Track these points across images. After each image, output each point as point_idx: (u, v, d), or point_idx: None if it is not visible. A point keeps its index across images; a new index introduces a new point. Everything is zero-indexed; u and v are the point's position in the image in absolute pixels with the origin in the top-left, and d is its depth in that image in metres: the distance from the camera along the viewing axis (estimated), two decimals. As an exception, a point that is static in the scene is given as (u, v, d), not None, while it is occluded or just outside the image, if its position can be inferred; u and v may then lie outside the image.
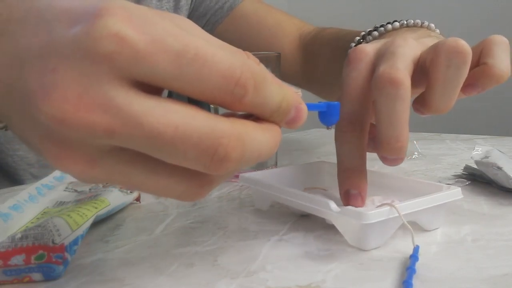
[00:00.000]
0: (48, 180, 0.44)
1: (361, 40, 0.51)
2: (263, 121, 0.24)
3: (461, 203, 0.41)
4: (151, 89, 0.21)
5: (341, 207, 0.32)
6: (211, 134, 0.21)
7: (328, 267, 0.30)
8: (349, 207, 0.32)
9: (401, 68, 0.33)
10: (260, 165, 0.52)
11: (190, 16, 0.74)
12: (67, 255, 0.29)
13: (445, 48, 0.33)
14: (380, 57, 0.35)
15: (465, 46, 0.33)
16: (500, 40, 0.36)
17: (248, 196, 0.46)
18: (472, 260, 0.30)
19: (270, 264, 0.30)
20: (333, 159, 0.37)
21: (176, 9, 0.72)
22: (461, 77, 0.34)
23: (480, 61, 0.36)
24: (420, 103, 0.36)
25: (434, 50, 0.34)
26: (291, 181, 0.41)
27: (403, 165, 0.57)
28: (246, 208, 0.43)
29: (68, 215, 0.33)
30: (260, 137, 0.23)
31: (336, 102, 0.30)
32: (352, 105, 0.35)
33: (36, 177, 0.62)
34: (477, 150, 0.48)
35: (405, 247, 0.32)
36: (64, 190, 0.44)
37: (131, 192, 0.44)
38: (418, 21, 0.46)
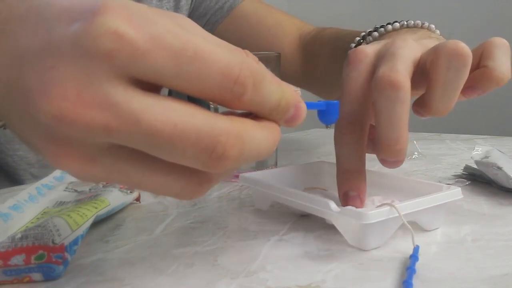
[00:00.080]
0: (48, 180, 0.44)
1: (361, 41, 0.51)
2: (262, 119, 0.24)
3: (461, 203, 0.41)
4: (150, 87, 0.21)
5: (341, 207, 0.32)
6: (210, 132, 0.21)
7: (328, 267, 0.30)
8: (349, 207, 0.32)
9: (401, 70, 0.33)
10: (260, 165, 0.52)
11: (190, 16, 0.74)
12: (67, 255, 0.29)
13: (445, 51, 0.33)
14: (380, 58, 0.35)
15: (465, 48, 0.33)
16: (500, 42, 0.36)
17: (248, 196, 0.46)
18: (472, 260, 0.30)
19: (270, 264, 0.30)
20: (333, 159, 0.37)
21: (176, 9, 0.72)
22: (461, 80, 0.34)
23: (480, 63, 0.36)
24: (420, 105, 0.36)
25: (435, 52, 0.34)
26: (291, 181, 0.41)
27: (403, 165, 0.57)
28: (246, 208, 0.43)
29: (68, 215, 0.33)
30: (259, 135, 0.23)
31: (335, 101, 0.30)
32: (351, 106, 0.35)
33: (36, 177, 0.62)
34: (477, 150, 0.48)
35: (405, 247, 0.32)
36: (64, 190, 0.44)
37: (131, 192, 0.44)
38: (419, 21, 0.46)
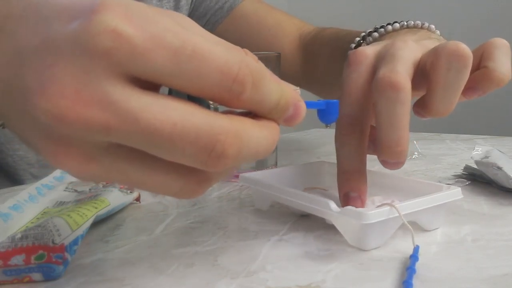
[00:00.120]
0: (48, 180, 0.44)
1: (361, 41, 0.51)
2: (261, 118, 0.24)
3: (461, 203, 0.41)
4: (149, 85, 0.21)
5: (341, 207, 0.32)
6: (209, 130, 0.21)
7: (328, 267, 0.30)
8: (349, 207, 0.32)
9: (402, 71, 0.33)
10: (260, 165, 0.52)
11: (190, 16, 0.74)
12: (67, 255, 0.29)
13: (445, 52, 0.33)
14: (380, 59, 0.35)
15: (466, 49, 0.33)
16: (501, 43, 0.36)
17: (248, 196, 0.46)
18: (472, 260, 0.30)
19: (270, 264, 0.30)
20: (333, 159, 0.37)
21: (176, 9, 0.72)
22: (461, 81, 0.33)
23: (481, 64, 0.36)
24: (420, 106, 0.36)
25: (435, 53, 0.34)
26: (291, 181, 0.41)
27: (403, 165, 0.57)
28: (246, 208, 0.42)
29: (68, 215, 0.33)
30: (258, 134, 0.23)
31: (335, 100, 0.30)
32: (352, 107, 0.35)
33: (36, 177, 0.62)
34: (477, 150, 0.48)
35: (405, 247, 0.32)
36: (64, 190, 0.44)
37: (131, 192, 0.44)
38: (419, 22, 0.46)
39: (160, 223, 0.39)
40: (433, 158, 0.60)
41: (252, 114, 0.24)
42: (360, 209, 0.33)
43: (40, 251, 0.29)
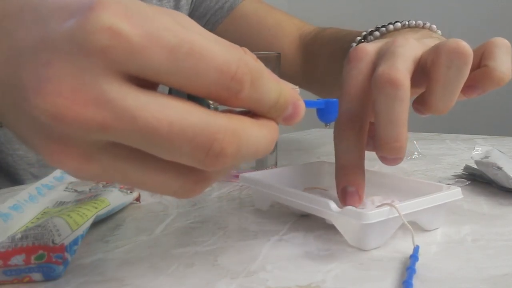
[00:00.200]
0: (48, 180, 0.44)
1: (362, 40, 0.51)
2: (260, 117, 0.24)
3: (461, 203, 0.41)
4: (147, 84, 0.21)
5: (341, 207, 0.32)
6: (207, 129, 0.21)
7: (328, 267, 0.30)
8: (349, 207, 0.32)
9: (401, 68, 0.33)
10: (260, 165, 0.52)
11: (190, 16, 0.74)
12: (67, 255, 0.29)
13: (446, 49, 0.33)
14: (380, 56, 0.35)
15: (467, 47, 0.33)
16: (501, 42, 0.36)
17: (248, 196, 0.46)
18: (472, 260, 0.30)
19: (270, 264, 0.30)
20: (333, 159, 0.37)
21: (176, 9, 0.72)
22: (461, 78, 0.34)
23: (481, 63, 0.36)
24: (420, 103, 0.36)
25: (435, 50, 0.34)
26: (291, 181, 0.41)
27: (403, 165, 0.57)
28: (246, 208, 0.42)
29: (68, 215, 0.33)
30: (256, 132, 0.23)
31: (334, 99, 0.30)
32: (351, 103, 0.35)
33: (36, 177, 0.62)
34: (477, 150, 0.48)
35: (405, 247, 0.32)
36: (64, 190, 0.44)
37: (131, 192, 0.44)
38: (420, 22, 0.46)
39: (160, 223, 0.39)
40: (433, 158, 0.60)
41: (251, 113, 0.24)
42: (360, 209, 0.33)
43: (40, 251, 0.29)
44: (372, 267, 0.30)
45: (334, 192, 0.37)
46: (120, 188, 0.43)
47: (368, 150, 0.37)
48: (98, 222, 0.39)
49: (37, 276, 0.29)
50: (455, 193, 0.34)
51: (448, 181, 0.48)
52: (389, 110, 0.32)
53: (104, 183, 0.45)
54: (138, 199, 0.45)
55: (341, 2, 2.03)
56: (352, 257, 0.31)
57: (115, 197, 0.40)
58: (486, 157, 0.46)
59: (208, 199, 0.45)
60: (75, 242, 0.30)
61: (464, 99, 0.37)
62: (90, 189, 0.44)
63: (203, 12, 0.74)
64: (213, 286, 0.28)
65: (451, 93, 0.34)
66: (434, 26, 0.46)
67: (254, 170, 0.49)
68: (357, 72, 0.36)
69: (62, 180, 0.45)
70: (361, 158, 0.36)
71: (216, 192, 0.48)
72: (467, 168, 0.49)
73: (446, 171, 0.53)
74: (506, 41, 0.37)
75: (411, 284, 0.26)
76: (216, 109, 0.22)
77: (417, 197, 0.33)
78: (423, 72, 0.34)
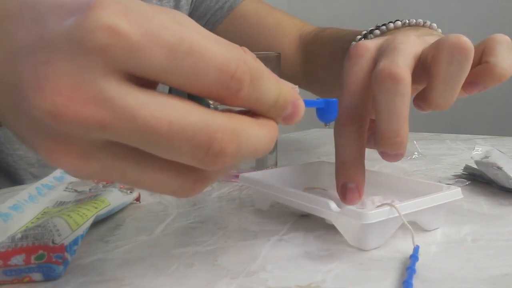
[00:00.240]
0: (48, 180, 0.44)
1: (363, 39, 0.51)
2: (260, 116, 0.24)
3: (461, 203, 0.41)
4: (146, 83, 0.21)
5: (341, 207, 0.32)
6: (206, 128, 0.21)
7: (328, 267, 0.30)
8: (349, 207, 0.32)
9: (402, 64, 0.33)
10: (260, 165, 0.52)
11: (190, 16, 0.74)
12: (67, 255, 0.29)
13: (447, 44, 0.33)
14: (381, 53, 0.35)
15: (468, 42, 0.33)
16: (502, 39, 0.36)
17: (248, 196, 0.46)
18: (472, 260, 0.30)
19: (270, 264, 0.30)
20: (333, 159, 0.37)
21: (176, 9, 0.72)
22: (463, 74, 0.33)
23: (482, 59, 0.36)
24: (420, 99, 0.36)
25: (436, 46, 0.33)
26: (291, 181, 0.41)
27: (403, 165, 0.57)
28: (246, 208, 0.42)
29: (68, 215, 0.33)
30: (256, 132, 0.23)
31: (334, 99, 0.30)
32: (352, 99, 0.35)
33: (36, 177, 0.62)
34: (477, 150, 0.48)
35: (405, 247, 0.32)
36: (64, 190, 0.44)
37: (131, 192, 0.44)
38: (420, 20, 0.46)
39: (160, 223, 0.39)
40: (433, 158, 0.60)
41: (250, 113, 0.24)
42: (360, 209, 0.33)
43: (40, 251, 0.29)
44: (372, 267, 0.30)
45: (334, 192, 0.37)
46: (120, 188, 0.43)
47: (369, 147, 0.36)
48: (98, 222, 0.39)
49: (37, 276, 0.29)
50: (455, 193, 0.34)
51: (448, 181, 0.48)
52: (389, 105, 0.32)
53: (104, 183, 0.45)
54: (138, 199, 0.45)
55: (341, 2, 2.02)
56: (352, 257, 0.31)
57: (115, 197, 0.40)
58: (486, 157, 0.46)
59: (208, 199, 0.45)
60: (75, 242, 0.30)
61: (465, 95, 0.37)
62: (90, 189, 0.44)
63: (203, 12, 0.74)
64: (213, 286, 0.28)
65: (452, 88, 0.34)
66: (435, 25, 0.46)
67: (254, 170, 0.49)
68: (358, 69, 0.36)
69: (62, 180, 0.45)
70: (361, 154, 0.35)
71: (216, 192, 0.48)
72: (467, 168, 0.49)
73: (446, 171, 0.53)
74: (507, 38, 0.37)
75: (411, 284, 0.26)
76: (216, 109, 0.22)
77: (417, 197, 0.33)
78: (423, 69, 0.34)
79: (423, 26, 0.46)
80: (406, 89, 0.32)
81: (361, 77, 0.35)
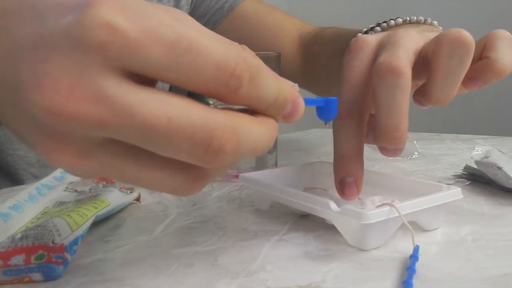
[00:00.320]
0: (48, 180, 0.44)
1: (364, 36, 0.51)
2: (259, 115, 0.24)
3: (461, 203, 0.41)
4: (145, 80, 0.21)
5: (341, 207, 0.32)
6: (206, 126, 0.21)
7: (328, 267, 0.30)
8: (349, 207, 0.32)
9: (402, 57, 0.32)
10: (260, 165, 0.52)
11: (190, 16, 0.74)
12: (67, 255, 0.29)
13: (448, 39, 0.33)
14: (381, 47, 0.35)
15: (469, 36, 0.32)
16: (503, 34, 0.36)
17: (248, 196, 0.46)
18: (472, 260, 0.30)
19: (270, 264, 0.30)
20: (333, 159, 0.37)
21: (176, 8, 0.72)
22: (463, 68, 0.33)
23: (482, 55, 0.36)
24: (420, 94, 0.35)
25: (437, 40, 0.33)
26: (291, 181, 0.41)
27: (403, 165, 0.57)
28: (246, 208, 0.42)
29: (68, 215, 0.33)
30: (256, 130, 0.23)
31: (334, 98, 0.30)
32: (351, 93, 0.35)
33: (36, 177, 0.62)
34: (477, 150, 0.48)
35: (405, 247, 0.32)
36: (64, 190, 0.44)
37: (131, 192, 0.44)
38: (421, 17, 0.46)
39: (160, 223, 0.39)
40: (433, 158, 0.60)
41: (250, 111, 0.24)
42: (360, 209, 0.33)
43: (40, 251, 0.29)
44: (372, 267, 0.30)
45: (334, 192, 0.37)
46: (120, 188, 0.43)
47: (368, 142, 0.36)
48: (98, 222, 0.39)
49: (37, 276, 0.29)
50: (455, 193, 0.34)
51: (448, 181, 0.48)
52: (389, 99, 0.32)
53: (104, 183, 0.45)
54: (138, 199, 0.45)
55: (341, 2, 2.03)
56: (352, 257, 0.31)
57: (115, 197, 0.40)
58: (486, 157, 0.46)
59: (208, 199, 0.45)
60: (75, 242, 0.30)
61: (465, 91, 0.37)
62: (90, 189, 0.44)
63: (203, 12, 0.74)
64: (213, 286, 0.28)
65: (452, 83, 0.34)
66: (435, 22, 0.46)
67: (254, 170, 0.49)
68: (358, 62, 0.36)
69: (62, 180, 0.45)
70: (360, 149, 0.35)
71: (216, 192, 0.48)
72: (467, 168, 0.49)
73: (446, 171, 0.53)
74: (508, 33, 0.36)
75: (411, 284, 0.26)
76: (216, 107, 0.22)
77: (417, 197, 0.33)
78: (424, 64, 0.34)
79: (424, 23, 0.46)
80: (407, 82, 0.32)
81: (361, 71, 0.35)
